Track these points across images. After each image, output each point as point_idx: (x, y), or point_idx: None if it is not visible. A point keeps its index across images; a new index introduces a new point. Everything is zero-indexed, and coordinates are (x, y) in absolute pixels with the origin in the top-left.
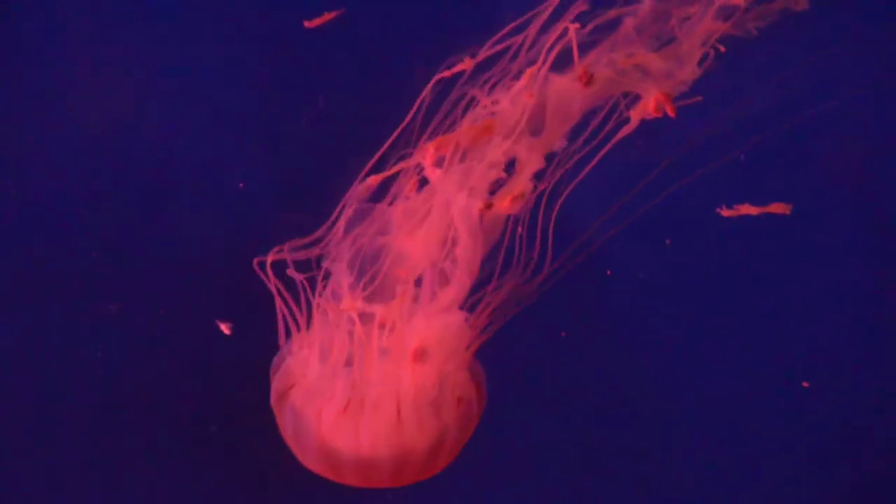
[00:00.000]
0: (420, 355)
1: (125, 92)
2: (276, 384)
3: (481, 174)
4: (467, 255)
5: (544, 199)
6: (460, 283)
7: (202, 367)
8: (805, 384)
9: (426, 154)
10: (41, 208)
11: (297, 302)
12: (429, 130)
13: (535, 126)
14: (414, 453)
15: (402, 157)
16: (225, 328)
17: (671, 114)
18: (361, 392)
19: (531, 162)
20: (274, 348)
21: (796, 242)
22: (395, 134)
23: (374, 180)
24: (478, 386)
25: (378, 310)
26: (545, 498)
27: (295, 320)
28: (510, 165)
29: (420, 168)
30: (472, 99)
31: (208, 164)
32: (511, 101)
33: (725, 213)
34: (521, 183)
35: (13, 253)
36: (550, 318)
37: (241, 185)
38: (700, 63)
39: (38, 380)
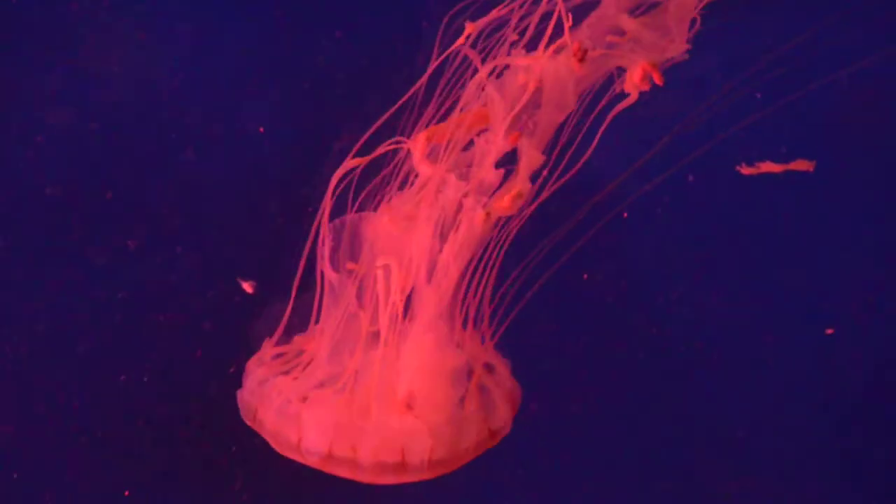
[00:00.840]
0: (410, 402)
1: (144, 36)
2: (243, 403)
3: (479, 170)
4: (459, 255)
5: (568, 152)
6: (449, 280)
7: (218, 307)
8: (829, 331)
9: (417, 145)
10: (59, 152)
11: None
12: (431, 104)
13: (532, 115)
14: (421, 477)
15: (393, 145)
16: (248, 287)
17: (658, 82)
18: (355, 439)
19: (530, 155)
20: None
21: (820, 192)
22: (387, 116)
23: (355, 163)
24: (513, 413)
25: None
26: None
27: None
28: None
29: (410, 158)
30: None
31: (226, 107)
32: (506, 89)
33: (746, 170)
34: (520, 182)
35: (30, 193)
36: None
37: (260, 129)
38: (690, 28)
39: (54, 318)
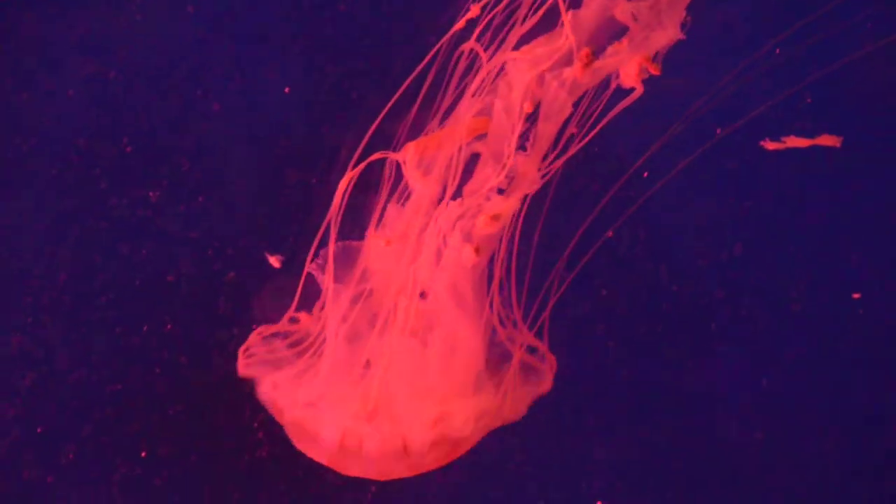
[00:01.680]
0: (439, 420)
1: None
2: (267, 400)
3: (478, 196)
4: (462, 281)
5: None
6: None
7: (239, 261)
8: (855, 295)
9: (408, 158)
10: (82, 105)
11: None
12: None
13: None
14: (424, 463)
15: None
16: (275, 261)
17: (656, 72)
18: (361, 432)
19: (528, 173)
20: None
21: (846, 158)
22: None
23: (345, 182)
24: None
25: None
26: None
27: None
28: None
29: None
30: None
31: (248, 58)
32: (506, 108)
33: (771, 145)
34: (505, 202)
35: (54, 145)
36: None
37: (286, 90)
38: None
39: (76, 268)
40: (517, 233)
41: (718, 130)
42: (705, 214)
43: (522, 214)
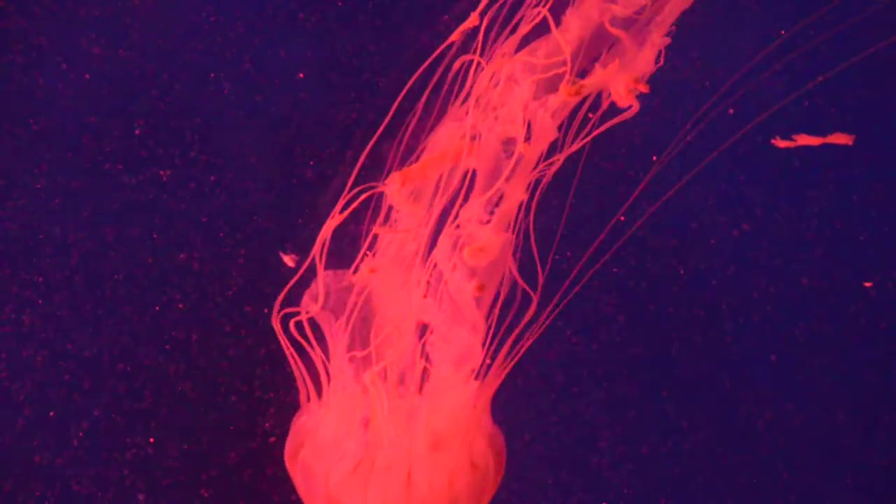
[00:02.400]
0: (437, 445)
1: None
2: (290, 441)
3: (466, 219)
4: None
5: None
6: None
7: (247, 243)
8: (867, 284)
9: (393, 187)
10: (94, 84)
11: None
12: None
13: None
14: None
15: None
16: (289, 260)
17: (644, 90)
18: (372, 454)
19: (514, 197)
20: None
21: (858, 145)
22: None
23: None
24: (496, 454)
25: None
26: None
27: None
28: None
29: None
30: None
31: (259, 39)
32: (491, 135)
33: (781, 143)
34: (487, 233)
35: (68, 124)
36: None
37: (300, 75)
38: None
39: (88, 248)
40: (532, 211)
41: (731, 111)
42: (716, 192)
43: (537, 195)
